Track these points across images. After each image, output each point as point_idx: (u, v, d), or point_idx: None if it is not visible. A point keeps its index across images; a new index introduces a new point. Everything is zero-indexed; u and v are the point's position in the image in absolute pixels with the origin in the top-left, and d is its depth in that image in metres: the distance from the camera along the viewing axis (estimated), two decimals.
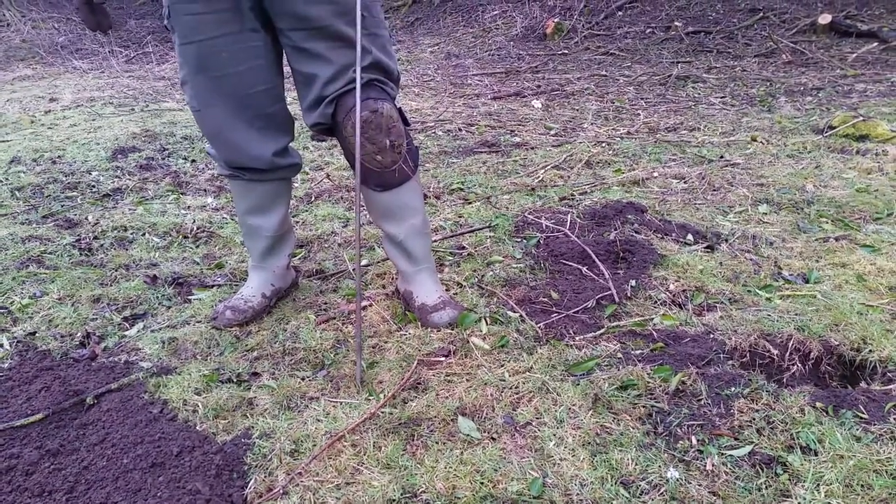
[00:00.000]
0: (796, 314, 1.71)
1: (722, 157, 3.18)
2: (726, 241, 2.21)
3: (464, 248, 2.29)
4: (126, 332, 1.85)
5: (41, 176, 3.33)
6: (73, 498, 1.25)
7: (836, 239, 2.19)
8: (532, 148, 3.53)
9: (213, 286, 2.10)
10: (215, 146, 1.70)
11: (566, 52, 6.18)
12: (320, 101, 1.58)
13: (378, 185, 1.67)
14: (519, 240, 2.32)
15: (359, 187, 1.53)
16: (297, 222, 2.63)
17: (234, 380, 1.60)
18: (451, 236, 2.38)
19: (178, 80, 1.66)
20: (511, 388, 1.49)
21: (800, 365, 1.52)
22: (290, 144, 1.78)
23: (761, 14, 6.07)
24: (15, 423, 1.45)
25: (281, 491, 1.23)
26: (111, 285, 2.13)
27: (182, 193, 3.05)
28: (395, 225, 1.77)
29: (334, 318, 1.87)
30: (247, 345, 1.75)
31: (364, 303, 1.93)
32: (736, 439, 1.29)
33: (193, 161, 3.54)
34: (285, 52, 1.61)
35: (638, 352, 1.60)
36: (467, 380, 1.53)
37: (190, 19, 1.50)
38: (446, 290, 1.94)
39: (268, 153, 1.69)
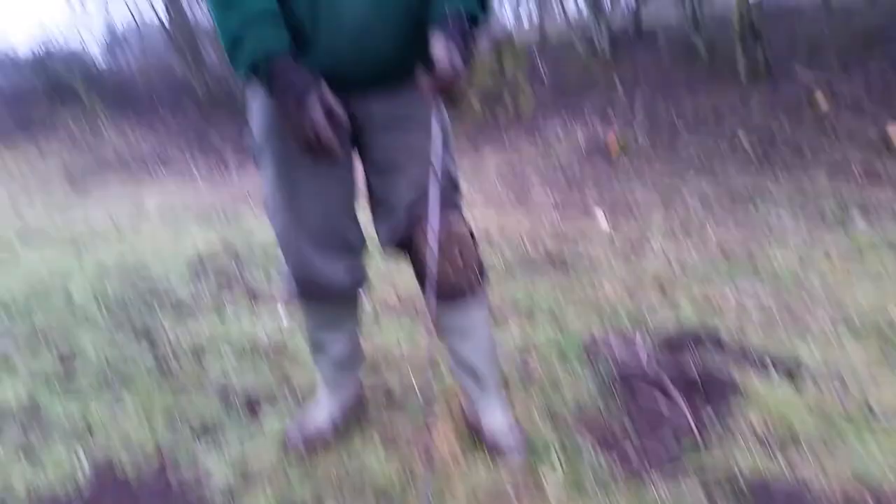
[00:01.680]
0: (893, 455, 1.60)
1: (797, 276, 3.09)
2: (808, 370, 2.12)
3: (530, 369, 2.26)
4: (198, 453, 1.87)
5: (124, 285, 3.49)
6: None
7: None
8: (599, 265, 3.52)
9: (283, 405, 2.12)
10: (289, 266, 1.74)
11: (629, 165, 6.25)
12: (396, 216, 1.63)
13: (447, 300, 1.68)
14: (588, 362, 2.27)
15: (434, 311, 1.53)
16: (365, 338, 2.65)
17: None
18: (517, 356, 2.36)
19: (262, 198, 1.71)
20: None
21: None
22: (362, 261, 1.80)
23: (828, 128, 6.04)
24: None
25: None
26: (184, 400, 2.18)
27: (256, 306, 3.14)
28: (462, 342, 1.77)
29: (400, 444, 1.85)
30: (313, 470, 1.74)
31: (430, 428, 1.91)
32: None
33: (268, 273, 3.67)
34: (364, 166, 1.66)
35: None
36: None
37: (286, 148, 1.52)
38: (513, 414, 1.91)
39: (340, 274, 1.71)
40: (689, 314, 2.70)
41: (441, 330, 1.78)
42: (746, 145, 6.11)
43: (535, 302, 2.97)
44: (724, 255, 3.50)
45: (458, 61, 1.34)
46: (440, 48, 1.34)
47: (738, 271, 3.23)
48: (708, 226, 4.12)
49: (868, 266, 3.19)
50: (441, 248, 1.56)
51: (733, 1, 7.96)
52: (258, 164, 1.67)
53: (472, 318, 1.75)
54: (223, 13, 1.34)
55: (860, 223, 3.96)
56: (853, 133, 5.99)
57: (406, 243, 1.66)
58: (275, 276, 3.59)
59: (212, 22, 1.53)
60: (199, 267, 3.80)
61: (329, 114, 1.34)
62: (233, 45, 1.35)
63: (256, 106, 1.60)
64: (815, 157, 5.72)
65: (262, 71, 1.35)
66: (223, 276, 3.63)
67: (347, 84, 1.46)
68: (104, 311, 3.15)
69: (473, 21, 1.42)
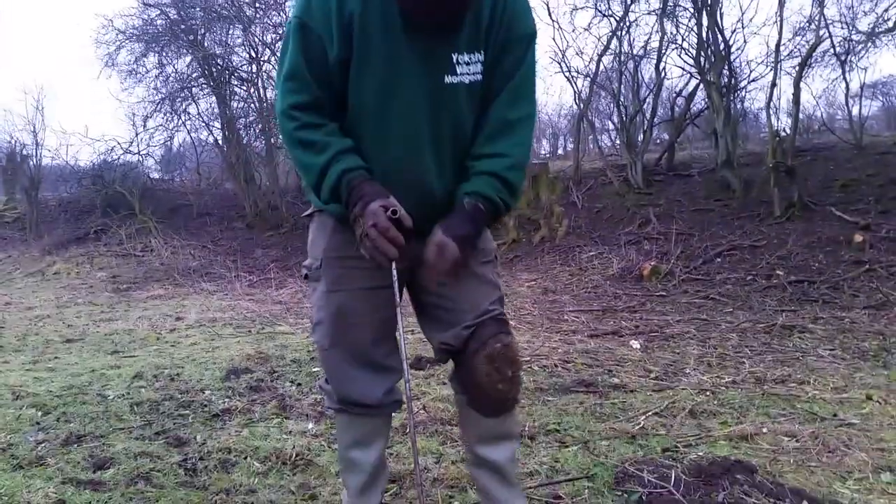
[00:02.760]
0: None
1: (835, 415, 3.01)
2: None
3: (560, 497, 2.21)
4: None
5: (159, 392, 3.55)
6: None
7: None
8: (631, 391, 3.48)
9: None
10: (332, 383, 1.83)
11: (664, 293, 6.27)
12: (455, 327, 1.71)
13: (491, 411, 1.75)
14: (619, 493, 2.22)
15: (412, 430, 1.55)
16: (391, 454, 2.63)
17: None
18: (547, 483, 2.31)
19: (311, 317, 1.84)
20: None
21: None
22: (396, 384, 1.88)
23: (867, 266, 6.03)
24: None
25: None
26: None
27: (286, 417, 3.16)
28: (496, 450, 1.81)
29: None
30: None
31: None
32: None
33: (299, 384, 3.70)
34: (416, 290, 1.80)
35: None
36: None
37: (343, 271, 1.71)
38: None
39: (379, 393, 1.79)
40: (722, 446, 2.64)
41: (473, 436, 1.83)
42: (783, 280, 6.11)
43: (566, 427, 2.93)
44: (760, 389, 3.43)
45: (449, 256, 1.52)
46: (431, 247, 1.54)
47: (774, 406, 3.16)
48: (744, 358, 4.07)
49: None
50: (496, 368, 1.66)
51: (767, 139, 8.23)
52: (311, 286, 1.82)
53: (509, 425, 1.82)
54: (313, 156, 1.58)
55: None
56: (893, 272, 5.96)
57: (458, 357, 1.75)
58: (305, 388, 3.62)
59: (290, 159, 1.75)
60: (233, 375, 3.85)
61: (394, 214, 1.51)
62: (320, 177, 1.58)
63: (317, 231, 1.80)
64: (853, 294, 5.68)
65: (344, 187, 1.56)
66: (255, 385, 3.67)
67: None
68: (137, 415, 3.19)
69: (495, 209, 1.61)
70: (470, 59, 1.58)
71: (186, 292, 7.55)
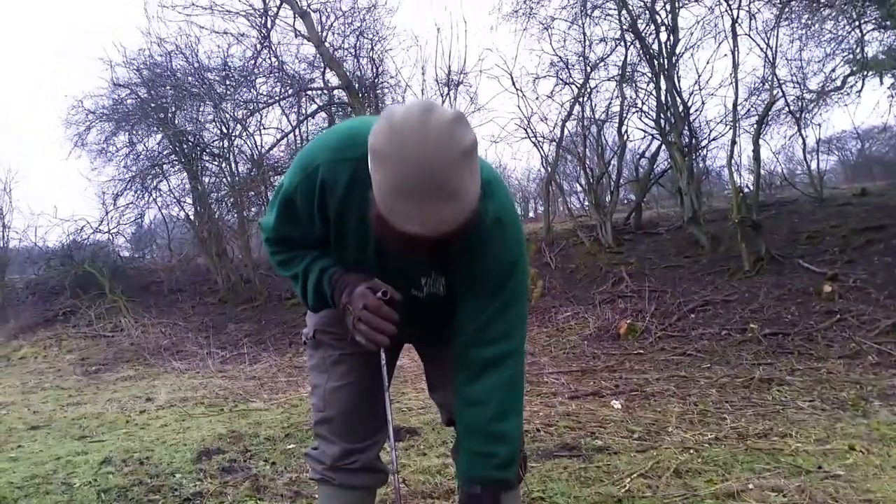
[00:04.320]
0: None
1: (820, 467, 2.98)
2: None
3: None
4: None
5: (128, 477, 3.40)
6: None
7: None
8: (615, 452, 3.42)
9: None
10: (328, 437, 1.82)
11: (642, 351, 6.25)
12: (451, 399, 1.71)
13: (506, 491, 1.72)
14: None
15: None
16: None
17: None
18: None
19: (310, 384, 1.91)
20: None
21: None
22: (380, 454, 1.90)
23: (838, 316, 6.09)
24: None
25: None
26: None
27: (259, 499, 3.04)
28: None
29: None
30: None
31: None
32: None
33: (273, 463, 3.58)
34: (418, 348, 1.91)
35: None
36: None
37: (334, 342, 1.77)
38: None
39: (366, 459, 1.83)
40: None
41: None
42: (758, 333, 6.14)
43: (551, 493, 2.86)
44: (743, 444, 3.40)
45: None
46: None
47: (758, 461, 3.13)
48: (725, 414, 4.04)
49: (894, 455, 3.08)
50: None
51: (730, 195, 8.42)
52: (309, 353, 1.87)
53: (513, 498, 1.80)
54: (293, 268, 1.66)
55: (882, 411, 3.88)
56: (864, 321, 6.03)
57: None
58: (280, 467, 3.50)
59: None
60: (205, 457, 3.71)
61: (384, 296, 1.52)
62: (303, 282, 1.65)
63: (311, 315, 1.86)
64: (828, 344, 5.72)
65: (327, 283, 1.60)
66: (228, 466, 3.54)
67: None
68: (104, 503, 3.05)
69: (499, 482, 1.59)
70: (437, 279, 1.61)
71: (157, 372, 7.36)
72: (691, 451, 3.34)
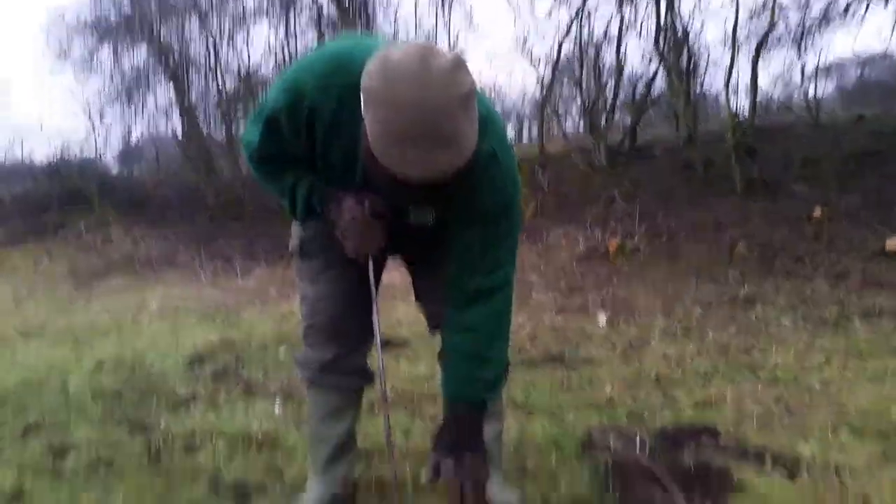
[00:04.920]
0: None
1: (797, 379, 3.07)
2: (807, 468, 2.07)
3: (526, 463, 2.22)
4: None
5: (121, 381, 3.47)
6: None
7: None
8: (598, 363, 3.50)
9: (273, 495, 2.08)
10: (315, 344, 1.85)
11: (630, 270, 6.32)
12: (438, 305, 1.71)
13: None
14: (586, 459, 2.23)
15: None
16: (359, 433, 2.61)
17: None
18: (516, 454, 2.31)
19: (298, 294, 1.90)
20: None
21: None
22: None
23: (828, 239, 6.15)
24: None
25: None
26: (175, 491, 2.13)
27: (251, 401, 3.11)
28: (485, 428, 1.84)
29: None
30: None
31: None
32: None
33: (266, 370, 3.65)
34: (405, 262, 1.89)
35: None
36: None
37: (320, 251, 1.77)
38: None
39: (354, 364, 1.88)
40: (687, 412, 2.67)
41: None
42: (746, 254, 6.21)
43: (533, 400, 2.93)
44: (724, 358, 3.49)
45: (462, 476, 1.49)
46: (428, 465, 1.53)
47: (737, 372, 3.21)
48: (708, 329, 4.12)
49: (869, 369, 3.17)
50: None
51: (726, 119, 8.33)
52: (295, 263, 1.88)
53: (495, 406, 1.87)
54: (281, 181, 1.64)
55: (862, 329, 3.97)
56: (852, 244, 6.10)
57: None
58: (272, 374, 3.57)
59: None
60: (197, 363, 3.78)
61: (372, 206, 1.52)
62: (291, 195, 1.64)
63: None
64: (815, 266, 5.79)
65: (316, 195, 1.59)
66: (220, 371, 3.61)
67: None
68: (98, 405, 3.12)
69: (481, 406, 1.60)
70: (427, 210, 1.57)
71: (148, 283, 7.39)
72: (673, 364, 3.43)
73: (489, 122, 1.44)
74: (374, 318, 1.67)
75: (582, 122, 11.33)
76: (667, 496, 1.89)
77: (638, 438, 2.30)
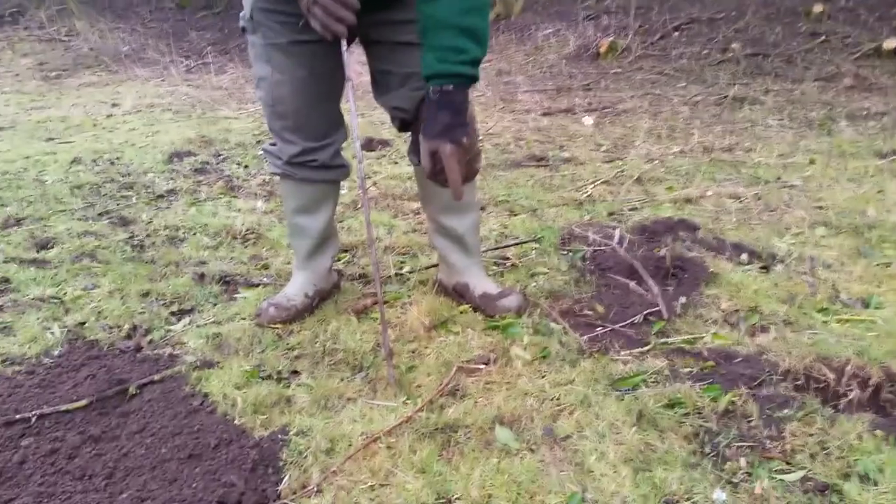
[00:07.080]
0: (855, 339, 1.64)
1: (779, 178, 3.08)
2: (782, 262, 2.14)
3: (508, 259, 2.27)
4: (172, 327, 1.88)
5: (99, 175, 3.42)
6: (112, 483, 1.26)
7: None
8: (581, 163, 3.49)
9: (258, 285, 2.12)
10: (283, 135, 1.75)
11: (619, 70, 6.12)
12: (403, 88, 1.66)
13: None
14: (565, 252, 2.28)
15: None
16: (343, 228, 2.64)
17: (274, 377, 1.60)
18: (496, 248, 2.36)
19: (254, 77, 1.74)
20: (552, 400, 1.45)
21: (858, 391, 1.45)
22: (342, 152, 1.86)
23: (823, 38, 5.92)
24: (60, 408, 1.47)
25: (315, 489, 1.22)
26: (160, 281, 2.17)
27: (233, 197, 3.10)
28: (457, 219, 1.87)
29: (369, 311, 1.86)
30: (288, 343, 1.76)
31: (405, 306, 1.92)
32: (788, 463, 1.23)
33: (246, 167, 3.60)
34: (369, 49, 1.69)
35: (686, 370, 1.55)
36: (507, 389, 1.50)
37: (276, 25, 1.58)
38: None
39: (323, 156, 1.78)
40: (667, 208, 2.70)
41: (435, 207, 1.87)
42: (738, 54, 5.99)
43: (515, 198, 2.95)
44: (707, 157, 3.47)
45: (451, 161, 1.46)
46: (425, 160, 1.50)
47: (720, 171, 3.22)
48: (694, 129, 4.07)
49: (850, 169, 3.18)
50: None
51: None
52: (250, 41, 1.69)
53: (469, 195, 1.82)
54: None
55: (847, 130, 3.94)
56: (847, 43, 5.89)
57: (411, 122, 1.72)
58: (253, 170, 3.53)
59: None
60: (176, 159, 3.72)
61: None
62: None
63: None
64: (806, 67, 5.64)
65: None
66: (200, 167, 3.57)
67: None
68: (78, 198, 3.09)
69: (466, 77, 1.46)
70: None
71: (120, 79, 7.08)
72: (655, 163, 3.42)
73: None
74: (351, 104, 1.53)
75: None
76: (644, 289, 1.95)
77: (617, 233, 2.34)
